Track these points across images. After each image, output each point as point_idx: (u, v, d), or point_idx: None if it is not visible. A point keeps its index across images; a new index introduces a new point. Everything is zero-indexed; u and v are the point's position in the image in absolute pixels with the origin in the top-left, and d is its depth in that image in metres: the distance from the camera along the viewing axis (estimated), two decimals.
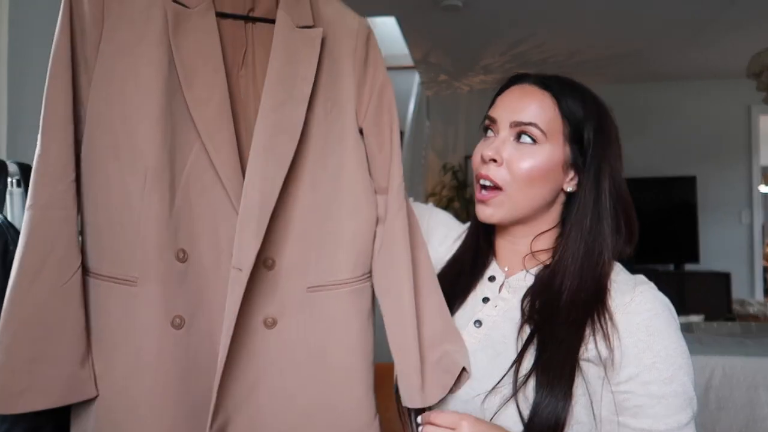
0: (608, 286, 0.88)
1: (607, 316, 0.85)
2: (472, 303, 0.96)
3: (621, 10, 3.65)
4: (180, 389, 0.86)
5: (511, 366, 0.85)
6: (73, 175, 0.86)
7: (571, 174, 0.93)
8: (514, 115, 0.92)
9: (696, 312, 3.74)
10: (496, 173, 0.91)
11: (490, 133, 0.96)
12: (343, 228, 0.94)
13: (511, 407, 0.83)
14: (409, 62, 4.97)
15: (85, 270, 0.88)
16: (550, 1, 3.53)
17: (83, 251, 0.88)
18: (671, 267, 5.17)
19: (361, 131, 0.97)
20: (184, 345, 0.87)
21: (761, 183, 5.72)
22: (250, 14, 0.95)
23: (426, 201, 5.29)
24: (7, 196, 1.07)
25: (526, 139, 0.91)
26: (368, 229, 0.96)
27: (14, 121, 1.58)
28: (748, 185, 5.28)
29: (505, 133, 0.92)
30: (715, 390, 2.32)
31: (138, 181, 0.85)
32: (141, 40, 0.86)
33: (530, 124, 0.90)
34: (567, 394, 0.81)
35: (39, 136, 0.85)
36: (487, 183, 0.92)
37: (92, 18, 0.86)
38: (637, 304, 0.85)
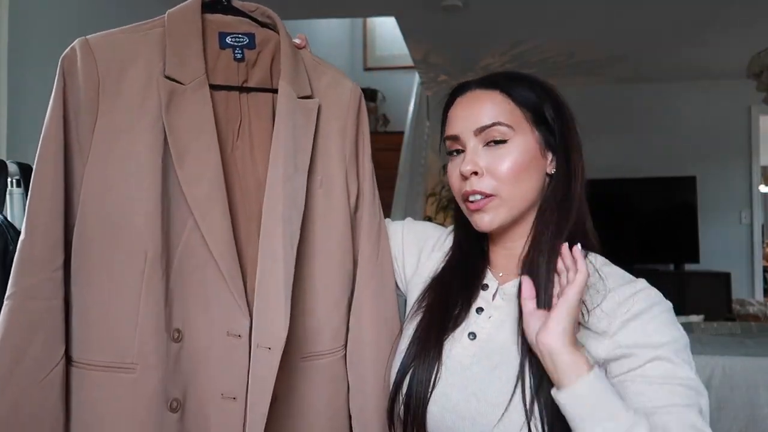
0: (600, 295, 0.87)
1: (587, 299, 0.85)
2: (469, 315, 0.94)
3: (621, 11, 3.65)
4: None
5: (516, 382, 0.82)
6: (58, 263, 0.83)
7: (550, 156, 0.93)
8: (473, 122, 0.91)
9: (696, 312, 3.74)
10: (481, 184, 0.90)
11: (455, 153, 0.95)
12: (333, 297, 0.96)
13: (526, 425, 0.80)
14: (409, 62, 4.96)
15: (68, 360, 0.84)
16: (550, 2, 3.53)
17: (67, 340, 0.84)
18: (671, 267, 5.16)
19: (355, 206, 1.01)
20: (179, 427, 0.85)
21: (761, 183, 5.72)
22: (244, 85, 0.95)
23: (426, 201, 5.29)
24: (7, 196, 1.07)
25: (495, 140, 0.90)
26: (347, 298, 0.99)
27: (14, 121, 1.58)
28: (748, 185, 5.28)
29: (472, 143, 0.91)
30: (715, 390, 2.33)
31: (137, 266, 0.83)
32: (138, 120, 0.85)
33: (493, 124, 0.90)
34: None
35: (24, 221, 0.83)
36: (477, 197, 0.90)
37: (87, 101, 0.85)
38: (635, 312, 0.83)
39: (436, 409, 0.87)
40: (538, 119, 0.92)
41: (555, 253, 0.86)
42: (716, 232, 5.22)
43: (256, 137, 0.94)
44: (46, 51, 1.65)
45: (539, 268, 0.87)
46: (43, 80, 1.72)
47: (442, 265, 1.01)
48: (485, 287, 0.95)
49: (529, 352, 0.83)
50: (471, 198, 0.91)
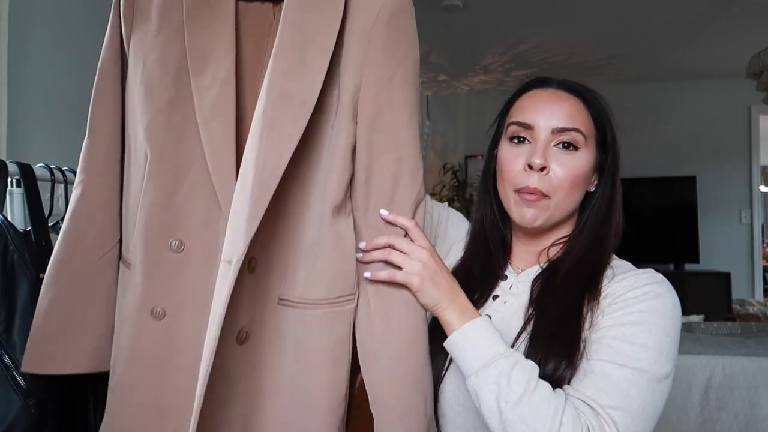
0: (607, 279, 0.90)
1: (599, 297, 0.88)
2: (487, 301, 0.98)
3: (621, 10, 3.65)
4: (154, 382, 0.84)
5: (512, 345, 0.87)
6: (113, 160, 0.92)
7: (594, 176, 0.97)
8: (554, 121, 0.91)
9: (696, 312, 3.74)
10: (542, 182, 0.91)
11: (516, 140, 0.94)
12: (326, 235, 0.83)
13: None
14: None
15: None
16: (550, 2, 3.53)
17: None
18: (671, 267, 5.17)
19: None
20: (166, 338, 0.84)
21: (761, 183, 5.72)
22: None
23: None
24: (7, 196, 1.07)
25: (568, 144, 0.91)
26: (349, 243, 0.85)
27: (14, 121, 1.58)
28: (748, 185, 5.28)
29: (545, 139, 0.91)
30: (715, 390, 2.32)
31: (140, 169, 0.86)
32: (160, 29, 0.85)
33: (574, 129, 0.91)
34: (569, 363, 0.81)
35: (88, 122, 0.92)
36: (534, 195, 0.91)
37: (126, 12, 0.88)
38: (638, 283, 0.87)
39: (450, 387, 0.92)
40: (601, 140, 0.95)
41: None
42: (716, 232, 5.22)
43: None
44: (46, 51, 1.65)
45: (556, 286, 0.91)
46: (44, 80, 1.72)
47: (464, 256, 1.04)
48: (504, 278, 0.99)
49: (526, 323, 0.89)
50: (526, 194, 0.92)
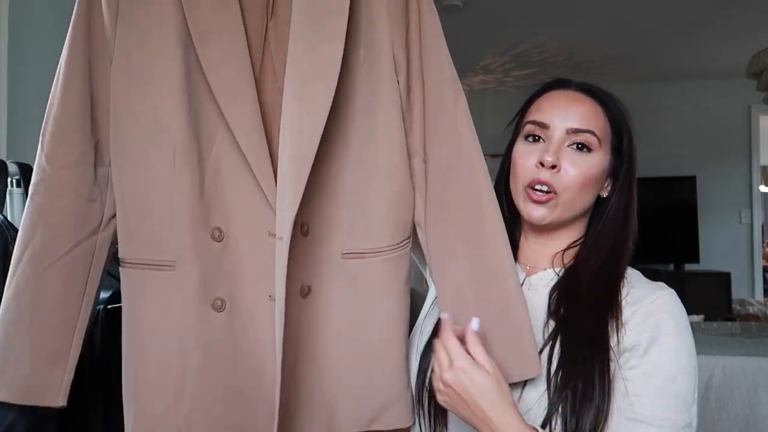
0: (625, 289, 0.91)
1: (620, 311, 0.88)
2: None
3: (621, 10, 3.65)
4: (227, 373, 0.84)
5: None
6: (65, 161, 0.83)
7: (608, 181, 0.97)
8: (569, 121, 0.92)
9: (696, 312, 3.74)
10: (554, 179, 0.91)
11: (531, 139, 0.95)
12: (380, 191, 0.88)
13: (544, 404, 0.85)
14: None
15: (118, 261, 0.86)
16: (550, 2, 3.53)
17: (118, 242, 0.86)
18: (671, 267, 5.16)
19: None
20: (228, 328, 0.84)
21: (761, 183, 5.71)
22: None
23: None
24: (7, 196, 1.07)
25: (581, 146, 0.92)
26: (406, 193, 0.90)
27: (14, 121, 1.57)
28: (748, 185, 5.27)
29: (559, 138, 0.92)
30: (715, 390, 2.32)
31: (166, 160, 0.82)
32: (157, 5, 0.82)
33: (588, 131, 0.92)
34: (601, 386, 0.83)
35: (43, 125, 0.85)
36: (545, 188, 0.92)
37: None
38: (657, 306, 0.88)
39: None
40: (617, 144, 0.96)
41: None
42: (716, 232, 5.21)
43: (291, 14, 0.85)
44: (46, 51, 1.65)
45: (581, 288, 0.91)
46: (43, 80, 1.72)
47: None
48: None
49: (552, 339, 0.88)
50: (538, 187, 0.92)
